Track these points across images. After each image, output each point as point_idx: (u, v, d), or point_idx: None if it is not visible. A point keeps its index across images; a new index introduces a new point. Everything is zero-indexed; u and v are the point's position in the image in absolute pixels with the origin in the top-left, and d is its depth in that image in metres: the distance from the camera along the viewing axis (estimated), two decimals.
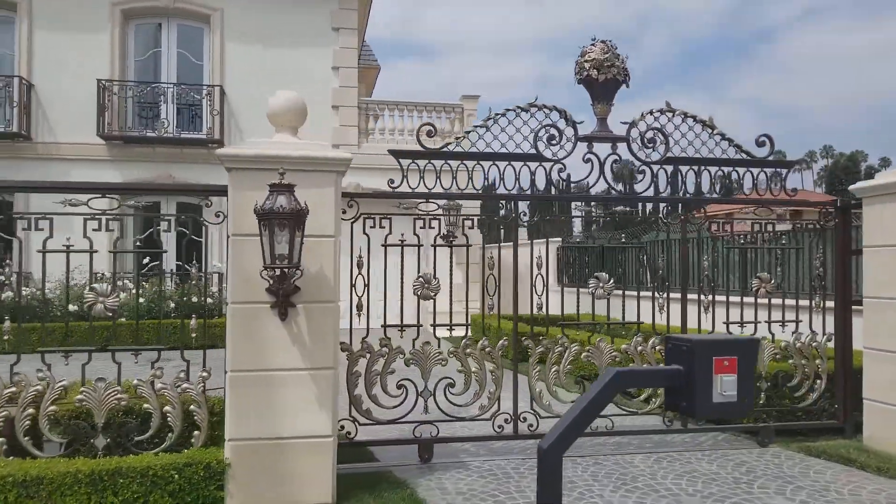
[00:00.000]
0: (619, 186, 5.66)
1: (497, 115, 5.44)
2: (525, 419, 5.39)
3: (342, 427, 4.97)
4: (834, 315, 5.91)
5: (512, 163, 5.41)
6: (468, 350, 5.29)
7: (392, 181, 5.23)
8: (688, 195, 5.70)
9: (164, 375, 4.37)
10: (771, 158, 5.77)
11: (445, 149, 5.30)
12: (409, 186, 5.22)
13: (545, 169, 5.42)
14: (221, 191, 4.42)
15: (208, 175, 13.72)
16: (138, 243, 6.86)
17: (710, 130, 5.69)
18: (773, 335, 5.81)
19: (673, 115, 5.66)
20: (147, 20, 15.29)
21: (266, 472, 4.14)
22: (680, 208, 5.89)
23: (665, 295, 5.74)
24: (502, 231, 6.42)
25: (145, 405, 4.30)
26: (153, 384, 4.32)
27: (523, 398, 5.47)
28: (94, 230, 4.32)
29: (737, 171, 5.75)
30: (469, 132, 5.38)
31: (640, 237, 12.21)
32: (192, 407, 4.33)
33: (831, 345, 5.89)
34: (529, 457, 5.32)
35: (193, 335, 4.60)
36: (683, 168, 5.67)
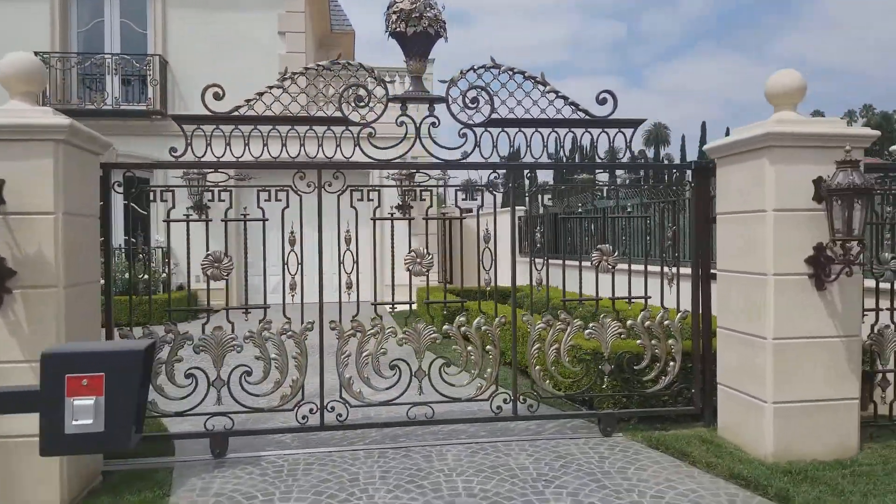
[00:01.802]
0: (444, 153, 5.09)
1: (294, 73, 4.91)
2: (333, 409, 4.96)
3: None
4: (691, 290, 5.32)
5: (314, 127, 4.89)
6: (263, 334, 4.86)
7: (174, 149, 4.76)
8: (516, 160, 5.12)
9: None
10: (614, 118, 5.15)
11: (236, 112, 4.80)
12: (194, 154, 4.75)
13: (352, 133, 4.89)
14: None
15: (152, 147, 13.48)
16: None
17: (542, 88, 5.08)
18: (616, 312, 5.26)
19: (499, 73, 5.07)
20: None
21: None
22: (507, 174, 5.29)
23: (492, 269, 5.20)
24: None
25: None
26: None
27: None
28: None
29: (573, 133, 5.14)
30: (262, 94, 4.86)
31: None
32: None
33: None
34: (344, 448, 4.92)
35: None
36: (511, 130, 5.09)
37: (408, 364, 5.03)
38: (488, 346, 5.12)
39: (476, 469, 4.49)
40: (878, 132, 4.50)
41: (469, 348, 5.10)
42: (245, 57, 14.30)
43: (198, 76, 12.69)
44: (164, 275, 12.72)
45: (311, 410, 4.93)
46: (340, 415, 4.97)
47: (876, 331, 4.94)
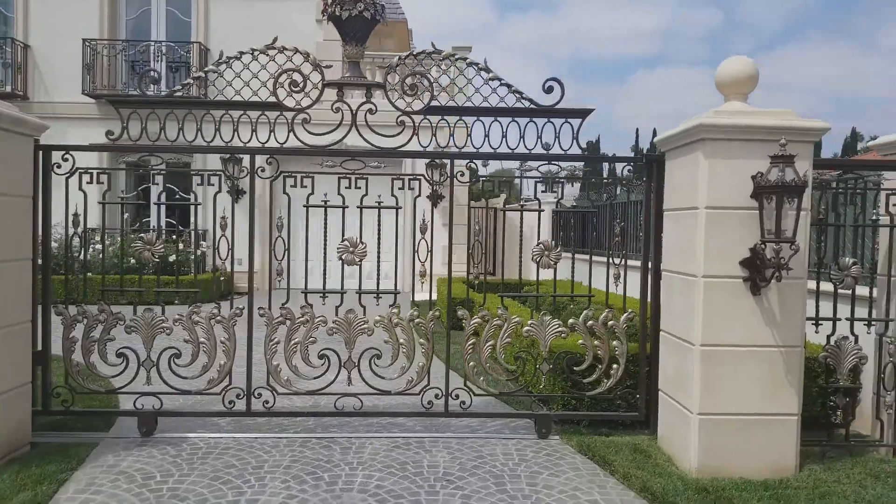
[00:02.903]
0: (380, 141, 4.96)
1: (230, 58, 4.91)
2: (260, 395, 4.98)
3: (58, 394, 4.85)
4: (640, 289, 5.03)
5: (248, 112, 4.90)
6: (192, 317, 4.92)
7: (111, 132, 4.86)
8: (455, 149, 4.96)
9: None
10: (560, 107, 4.90)
11: (173, 97, 4.86)
12: (130, 138, 4.84)
13: (287, 119, 4.85)
14: None
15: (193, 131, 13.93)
16: None
17: (484, 75, 4.89)
18: (560, 309, 5.03)
19: (441, 59, 4.91)
20: None
21: None
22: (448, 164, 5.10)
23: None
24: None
25: None
26: None
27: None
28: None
29: (517, 122, 4.93)
30: (197, 77, 4.89)
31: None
32: None
33: None
34: (270, 434, 4.93)
35: None
36: (452, 119, 4.93)
37: (337, 354, 4.99)
38: (421, 340, 5.01)
39: (385, 464, 4.40)
40: (827, 125, 4.09)
41: (401, 341, 5.00)
42: (284, 44, 14.54)
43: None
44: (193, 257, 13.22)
45: (237, 396, 4.96)
46: (267, 402, 4.98)
47: (833, 342, 4.53)
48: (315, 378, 4.99)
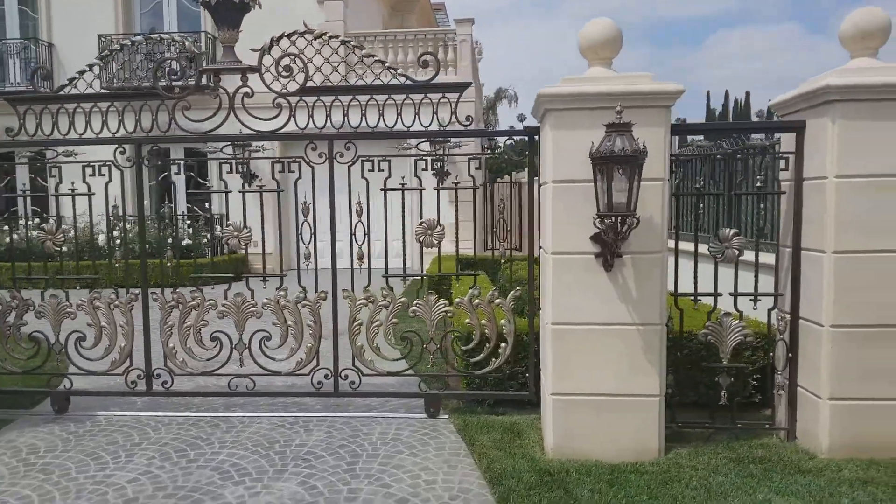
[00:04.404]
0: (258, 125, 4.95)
1: (113, 49, 5.04)
2: (159, 376, 5.17)
3: None
4: (528, 268, 4.89)
5: (131, 102, 5.02)
6: (94, 302, 5.13)
7: (10, 129, 5.09)
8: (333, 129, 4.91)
9: None
10: (436, 82, 4.78)
11: (62, 92, 5.03)
12: (27, 133, 5.05)
13: (168, 107, 4.95)
14: None
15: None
16: None
17: (358, 53, 4.83)
18: (450, 292, 4.96)
19: (314, 39, 4.87)
20: None
21: None
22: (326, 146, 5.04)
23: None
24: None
25: None
26: None
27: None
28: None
29: (393, 100, 4.84)
30: (83, 72, 5.03)
31: None
32: None
33: None
34: (168, 413, 5.11)
35: None
36: (327, 98, 4.89)
37: (228, 336, 5.10)
38: (309, 321, 5.06)
39: (255, 442, 4.50)
40: (676, 87, 3.82)
41: (289, 322, 5.06)
42: (284, 29, 14.70)
43: (240, 51, 13.31)
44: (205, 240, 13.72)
45: (138, 376, 5.16)
46: (165, 382, 5.17)
47: (716, 319, 4.29)
48: (208, 360, 5.13)
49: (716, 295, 4.29)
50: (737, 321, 4.23)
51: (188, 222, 14.23)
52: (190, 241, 14.05)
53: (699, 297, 4.32)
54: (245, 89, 4.89)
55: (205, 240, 14.28)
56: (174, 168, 5.49)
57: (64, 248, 5.21)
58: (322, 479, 3.90)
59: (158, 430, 4.76)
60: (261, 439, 4.56)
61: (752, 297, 4.27)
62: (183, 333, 5.10)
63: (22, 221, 5.50)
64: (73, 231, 5.33)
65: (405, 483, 3.83)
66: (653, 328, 3.97)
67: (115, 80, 15.22)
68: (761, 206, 4.47)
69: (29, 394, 5.42)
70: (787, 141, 4.33)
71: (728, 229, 4.21)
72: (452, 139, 4.94)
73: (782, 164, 4.27)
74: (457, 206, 5.43)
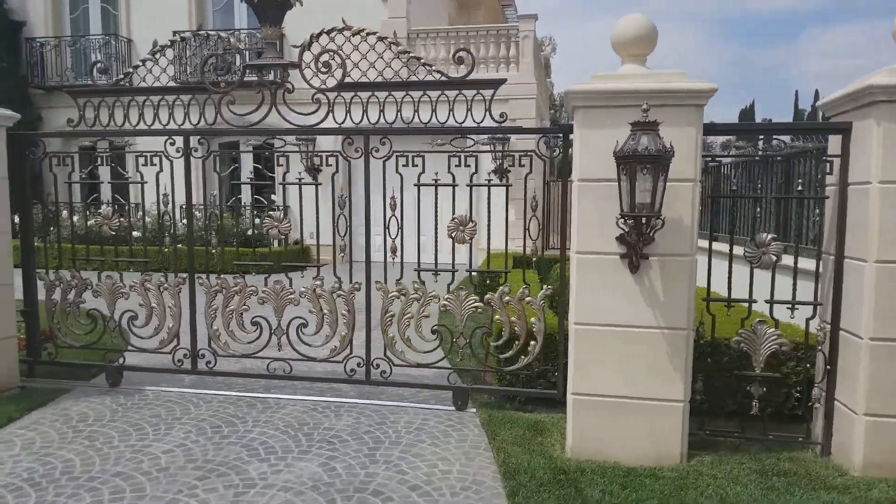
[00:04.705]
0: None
1: (163, 46, 5.29)
2: (204, 356, 5.43)
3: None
4: (560, 267, 4.86)
5: (181, 97, 5.28)
6: (145, 284, 5.42)
7: (71, 120, 5.43)
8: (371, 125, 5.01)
9: None
10: (471, 78, 4.81)
11: (119, 85, 5.35)
12: (86, 124, 5.38)
13: (214, 102, 5.18)
14: None
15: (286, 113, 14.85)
16: None
17: (395, 49, 4.91)
18: (475, 286, 5.00)
19: (352, 35, 4.98)
20: None
21: None
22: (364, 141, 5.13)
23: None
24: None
25: None
26: None
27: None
28: None
29: (429, 96, 4.89)
30: (137, 67, 5.32)
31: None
32: None
33: None
34: (213, 391, 5.36)
35: None
36: (364, 95, 5.00)
37: (268, 321, 5.30)
38: (343, 311, 5.20)
39: (287, 423, 4.68)
40: (708, 85, 3.72)
41: (324, 311, 5.22)
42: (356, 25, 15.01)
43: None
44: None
45: (184, 355, 5.44)
46: (209, 362, 5.42)
47: (748, 327, 4.16)
48: (249, 343, 5.35)
49: (750, 301, 4.16)
50: (772, 329, 4.09)
51: (250, 213, 14.78)
52: (254, 232, 14.58)
53: (732, 304, 4.20)
54: (287, 84, 5.05)
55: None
56: (221, 160, 5.73)
57: (123, 233, 5.52)
58: (342, 462, 4.02)
59: (199, 407, 5.01)
60: (292, 421, 4.74)
61: (790, 305, 4.12)
62: (226, 317, 5.33)
63: (92, 208, 5.83)
64: (131, 216, 5.64)
65: (421, 471, 3.91)
66: (679, 332, 3.89)
67: (178, 75, 15.94)
68: (815, 211, 4.30)
69: (87, 367, 5.78)
70: (833, 143, 4.15)
71: (766, 234, 4.07)
72: (489, 136, 4.95)
73: (828, 167, 4.10)
74: (507, 202, 5.29)
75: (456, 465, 4.00)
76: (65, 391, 5.36)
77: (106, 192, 13.89)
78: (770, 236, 4.06)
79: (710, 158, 4.01)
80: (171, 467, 3.93)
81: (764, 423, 4.19)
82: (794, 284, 4.08)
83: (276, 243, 13.15)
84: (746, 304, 4.18)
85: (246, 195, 15.16)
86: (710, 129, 4.03)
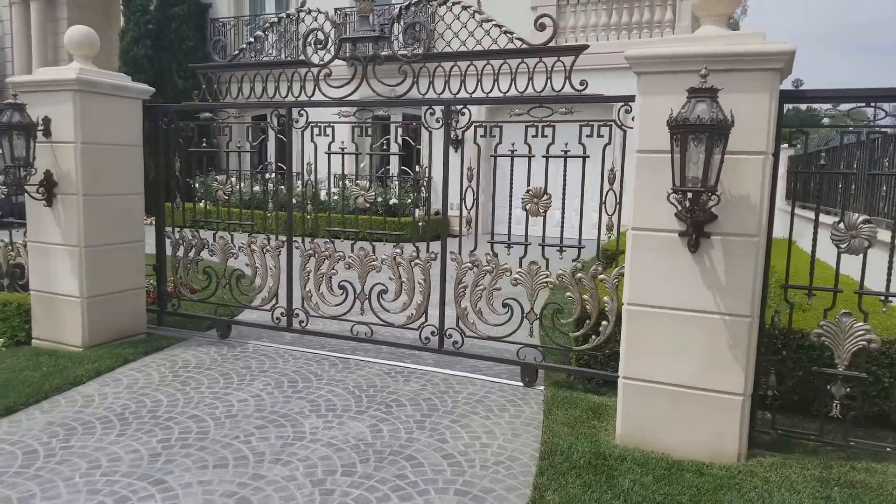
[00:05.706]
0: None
1: (271, 23, 5.64)
2: (297, 315, 5.82)
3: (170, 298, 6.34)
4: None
5: (285, 70, 5.63)
6: (251, 246, 5.92)
7: (197, 92, 6.00)
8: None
9: None
10: (552, 45, 4.64)
11: (234, 61, 5.81)
12: (207, 97, 5.92)
13: (314, 74, 5.47)
14: None
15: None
16: None
17: (478, 18, 4.86)
18: (547, 260, 4.86)
19: (437, 6, 5.00)
20: None
21: (48, 317, 5.74)
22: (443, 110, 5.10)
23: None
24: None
25: None
26: None
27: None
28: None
29: (508, 65, 4.79)
30: (250, 43, 5.72)
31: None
32: None
33: None
34: (302, 348, 5.77)
35: None
36: (447, 64, 5.01)
37: (352, 286, 5.57)
38: (420, 279, 5.32)
39: (356, 383, 4.92)
40: (784, 47, 3.28)
41: (403, 278, 5.37)
42: (501, 6, 14.97)
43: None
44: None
45: (281, 314, 5.88)
46: (302, 321, 5.81)
47: (831, 319, 3.68)
48: (336, 305, 5.66)
49: (836, 291, 3.68)
50: (860, 323, 3.59)
51: (393, 183, 15.44)
52: (396, 201, 15.24)
53: (814, 292, 3.74)
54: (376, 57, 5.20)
55: (409, 200, 15.33)
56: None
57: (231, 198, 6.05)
58: (390, 425, 4.17)
59: (288, 362, 5.42)
60: (362, 382, 4.97)
61: (883, 298, 3.59)
62: (317, 280, 5.68)
63: (212, 175, 6.43)
64: (240, 183, 6.17)
65: (462, 442, 3.95)
66: (741, 320, 3.55)
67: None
68: None
69: (203, 319, 6.43)
70: None
71: (856, 214, 3.56)
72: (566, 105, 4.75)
73: None
74: (584, 175, 5.13)
75: (499, 440, 3.99)
76: (181, 340, 6.02)
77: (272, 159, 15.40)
78: (861, 217, 3.54)
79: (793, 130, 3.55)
80: (239, 415, 4.31)
81: (845, 428, 3.71)
82: (889, 274, 3.53)
83: (415, 213, 13.69)
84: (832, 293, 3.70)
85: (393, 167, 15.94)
86: (789, 95, 3.57)
